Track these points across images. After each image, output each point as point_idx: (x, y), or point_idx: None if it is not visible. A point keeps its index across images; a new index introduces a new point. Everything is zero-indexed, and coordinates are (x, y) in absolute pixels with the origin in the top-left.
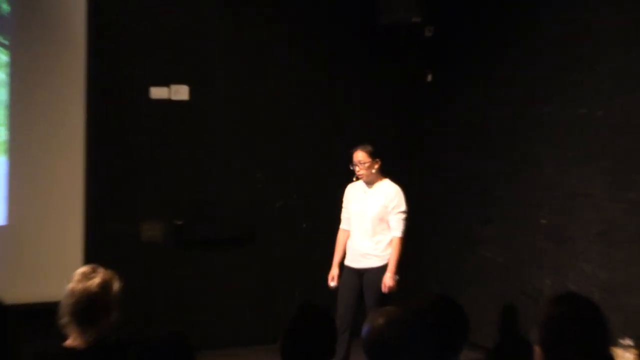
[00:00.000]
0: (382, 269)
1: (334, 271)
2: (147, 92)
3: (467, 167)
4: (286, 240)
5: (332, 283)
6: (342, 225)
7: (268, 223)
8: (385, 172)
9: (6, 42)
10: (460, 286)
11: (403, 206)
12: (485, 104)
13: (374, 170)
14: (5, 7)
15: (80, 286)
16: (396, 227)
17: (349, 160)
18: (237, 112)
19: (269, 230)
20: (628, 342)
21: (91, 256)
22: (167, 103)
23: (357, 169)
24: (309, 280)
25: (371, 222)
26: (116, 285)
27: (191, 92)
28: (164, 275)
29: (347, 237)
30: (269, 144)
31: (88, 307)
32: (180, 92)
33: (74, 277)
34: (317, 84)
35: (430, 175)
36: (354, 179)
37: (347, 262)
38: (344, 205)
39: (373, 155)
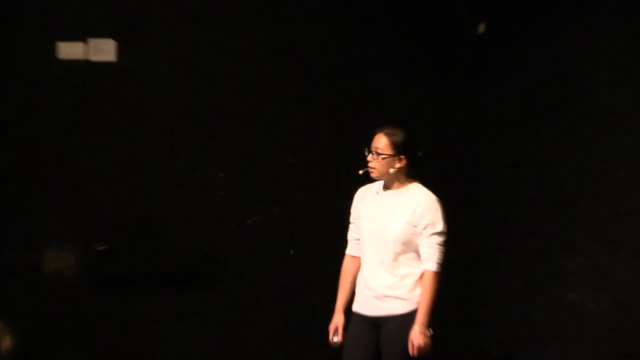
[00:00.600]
0: (409, 319)
1: (338, 320)
2: (53, 49)
3: (543, 164)
4: (262, 275)
5: (335, 338)
6: (350, 250)
7: (235, 249)
8: (414, 173)
9: None
10: (530, 345)
11: (440, 225)
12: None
13: (392, 170)
14: None
15: None
16: (430, 256)
17: (368, 143)
18: (188, 84)
19: (237, 261)
20: None
21: None
22: (84, 66)
23: (369, 157)
24: (297, 337)
25: (392, 248)
26: (5, 344)
27: (119, 51)
28: (75, 326)
29: (357, 268)
30: (237, 132)
31: None
32: (103, 50)
33: None
34: (312, 39)
35: (486, 175)
36: (359, 172)
37: (356, 307)
38: (352, 218)
39: (399, 147)
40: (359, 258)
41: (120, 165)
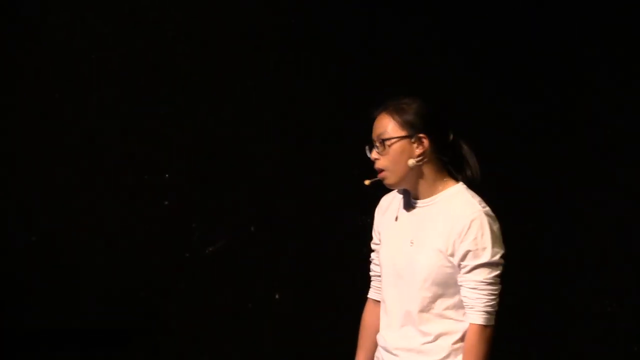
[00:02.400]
0: None
1: None
2: None
3: None
4: (229, 334)
5: None
6: (373, 294)
7: (184, 294)
8: (454, 171)
9: None
10: None
11: (489, 252)
12: None
13: (412, 162)
14: None
15: None
16: (473, 301)
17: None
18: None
19: (187, 312)
20: None
21: None
22: None
23: (373, 155)
24: None
25: (419, 292)
26: None
27: None
28: None
29: (378, 319)
30: (194, 109)
31: None
32: None
33: None
34: None
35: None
36: (366, 181)
37: None
38: (373, 243)
39: (414, 123)
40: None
41: (4, 166)
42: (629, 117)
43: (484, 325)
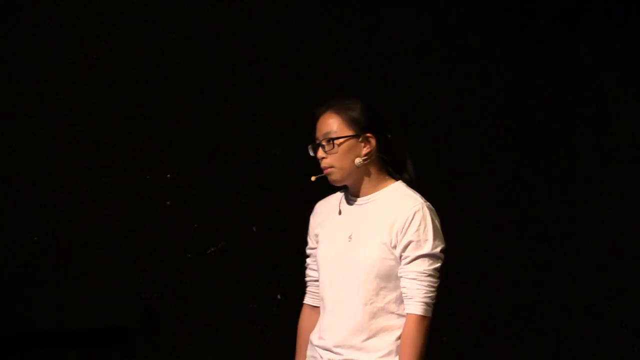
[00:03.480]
0: None
1: None
2: None
3: None
4: (231, 335)
5: None
6: (310, 299)
7: (186, 295)
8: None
9: None
10: None
11: (430, 243)
12: None
13: (359, 161)
14: None
15: None
16: (412, 291)
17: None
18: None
19: (188, 312)
20: None
21: None
22: None
23: (319, 154)
24: None
25: (362, 285)
26: None
27: None
28: None
29: (316, 321)
30: (193, 118)
31: None
32: None
33: None
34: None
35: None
36: (312, 178)
37: None
38: (308, 249)
39: (361, 122)
40: (318, 308)
41: (8, 162)
42: None
43: (422, 315)
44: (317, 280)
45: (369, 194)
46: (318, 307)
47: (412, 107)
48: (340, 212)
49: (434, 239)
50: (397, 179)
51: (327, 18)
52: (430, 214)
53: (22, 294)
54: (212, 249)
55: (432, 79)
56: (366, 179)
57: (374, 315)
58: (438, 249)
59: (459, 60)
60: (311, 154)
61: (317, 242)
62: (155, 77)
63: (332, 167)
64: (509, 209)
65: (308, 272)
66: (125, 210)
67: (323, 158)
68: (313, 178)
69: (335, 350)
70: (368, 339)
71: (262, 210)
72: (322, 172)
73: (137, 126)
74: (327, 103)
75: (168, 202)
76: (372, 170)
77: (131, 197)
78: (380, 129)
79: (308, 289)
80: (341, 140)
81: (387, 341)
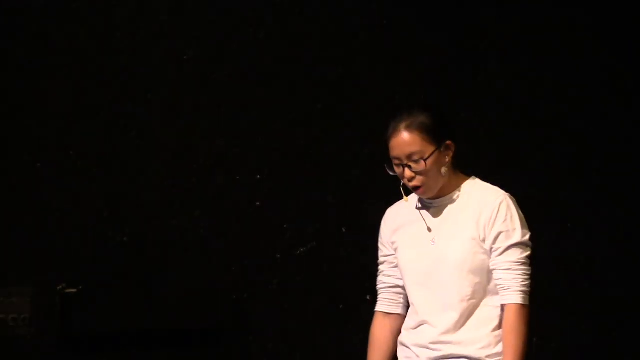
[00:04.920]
0: None
1: None
2: None
3: None
4: (318, 335)
5: None
6: (381, 306)
7: (275, 295)
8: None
9: None
10: None
11: (519, 232)
12: None
13: (444, 170)
14: None
15: None
16: (509, 282)
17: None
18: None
19: (277, 312)
20: None
21: None
22: (45, 5)
23: (406, 174)
24: None
25: (457, 283)
26: None
27: None
28: None
29: (394, 331)
30: (279, 115)
31: None
32: None
33: None
34: None
35: None
36: (405, 199)
37: None
38: (382, 256)
39: (437, 131)
40: (395, 316)
41: (99, 163)
42: None
43: (522, 304)
44: (394, 287)
45: (448, 193)
46: (392, 314)
47: (507, 105)
48: (413, 223)
49: (522, 228)
50: (468, 174)
51: (416, 17)
52: (514, 203)
53: (112, 293)
54: (301, 250)
55: (523, 78)
56: (446, 181)
57: (470, 310)
58: (527, 237)
59: (552, 59)
60: (391, 173)
61: (394, 250)
62: (244, 78)
63: (422, 185)
64: (602, 207)
65: (382, 278)
66: (215, 211)
67: (412, 178)
68: (406, 199)
69: (434, 347)
70: (466, 333)
71: (352, 211)
72: (410, 190)
73: (227, 127)
74: (396, 123)
75: (257, 203)
76: (450, 171)
77: (220, 197)
78: (451, 131)
79: (381, 296)
80: (428, 158)
81: (485, 333)
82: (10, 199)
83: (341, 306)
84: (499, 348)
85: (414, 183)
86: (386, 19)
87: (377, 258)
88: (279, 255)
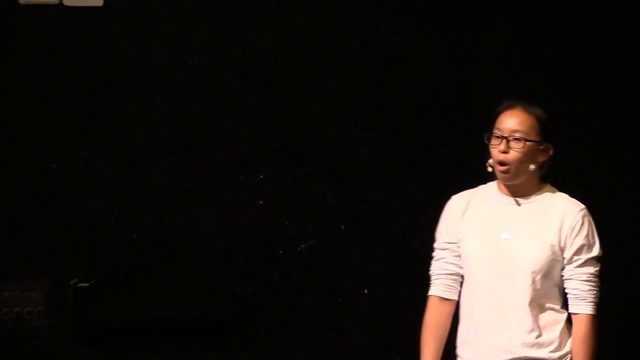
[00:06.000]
0: None
1: None
2: None
3: None
4: (317, 328)
5: None
6: (437, 290)
7: (278, 289)
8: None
9: None
10: None
11: (597, 248)
12: None
13: (533, 167)
14: None
15: None
16: (584, 293)
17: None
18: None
19: (280, 306)
20: None
21: None
22: (57, 13)
23: (501, 147)
24: None
25: (529, 284)
26: None
27: None
28: None
29: (450, 316)
30: (280, 116)
31: None
32: None
33: None
34: None
35: None
36: (489, 168)
37: None
38: (443, 242)
39: (547, 131)
40: (451, 302)
41: (109, 163)
42: None
43: (595, 315)
44: (454, 274)
45: (529, 195)
46: (449, 299)
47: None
48: (484, 217)
49: (599, 243)
50: (548, 184)
51: (416, 18)
52: (590, 219)
53: (122, 287)
54: (302, 247)
55: (523, 78)
56: (529, 182)
57: (540, 312)
58: (601, 253)
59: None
60: (486, 141)
61: (458, 239)
62: (247, 82)
63: (509, 164)
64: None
65: (442, 264)
66: (219, 209)
67: (504, 152)
68: (490, 169)
69: (507, 347)
70: (538, 336)
71: (350, 209)
72: (496, 163)
73: (230, 129)
74: (520, 100)
75: (260, 202)
76: (536, 174)
77: (225, 196)
78: (557, 139)
79: (439, 281)
80: (529, 143)
81: (554, 336)
82: (27, 197)
83: (340, 299)
84: (568, 347)
85: (503, 158)
86: (386, 20)
87: (388, 251)
88: (280, 252)
